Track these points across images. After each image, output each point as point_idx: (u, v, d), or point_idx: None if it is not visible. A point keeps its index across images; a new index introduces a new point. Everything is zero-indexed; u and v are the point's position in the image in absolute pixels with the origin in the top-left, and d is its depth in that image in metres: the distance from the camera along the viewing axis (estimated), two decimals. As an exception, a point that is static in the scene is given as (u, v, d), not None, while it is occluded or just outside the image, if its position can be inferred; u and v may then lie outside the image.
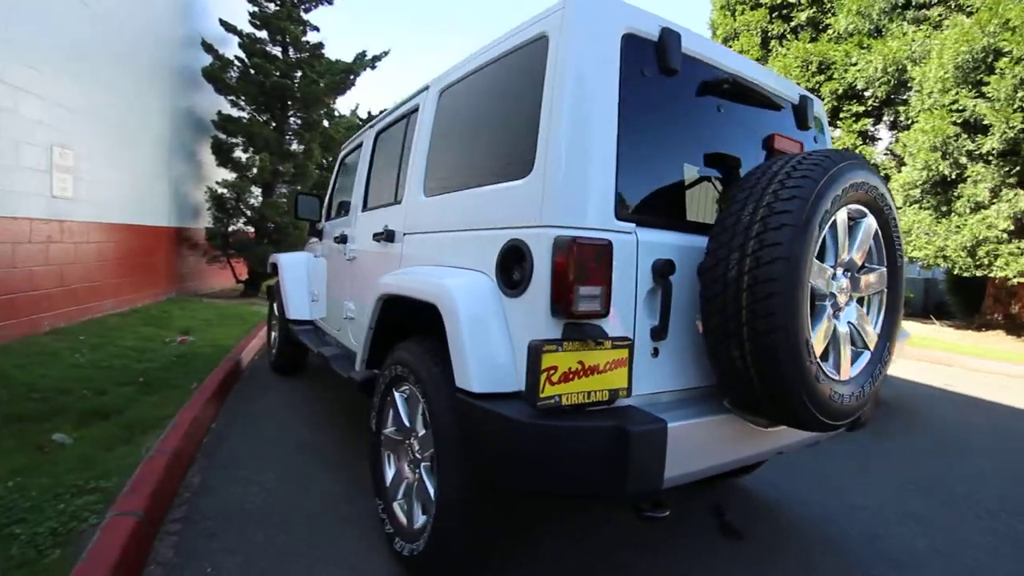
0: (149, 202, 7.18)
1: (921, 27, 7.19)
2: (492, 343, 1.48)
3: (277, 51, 8.78)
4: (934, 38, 6.86)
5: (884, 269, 1.68)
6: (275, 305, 4.59)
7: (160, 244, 7.48)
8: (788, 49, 9.11)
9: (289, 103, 8.66)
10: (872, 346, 1.64)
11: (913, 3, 7.44)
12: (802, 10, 9.18)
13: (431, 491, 1.72)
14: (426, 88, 2.29)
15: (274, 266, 4.84)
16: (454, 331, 1.50)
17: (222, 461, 2.69)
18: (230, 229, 8.71)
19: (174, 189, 7.93)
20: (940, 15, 7.08)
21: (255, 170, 8.69)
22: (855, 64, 7.92)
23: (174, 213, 7.94)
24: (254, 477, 2.53)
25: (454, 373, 1.50)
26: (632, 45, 1.50)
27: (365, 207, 2.85)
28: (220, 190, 8.39)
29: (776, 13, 9.58)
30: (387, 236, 2.34)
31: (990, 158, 6.31)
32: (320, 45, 8.95)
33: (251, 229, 8.90)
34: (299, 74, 8.38)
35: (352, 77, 8.67)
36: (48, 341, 4.57)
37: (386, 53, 9.39)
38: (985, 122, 6.05)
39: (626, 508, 2.32)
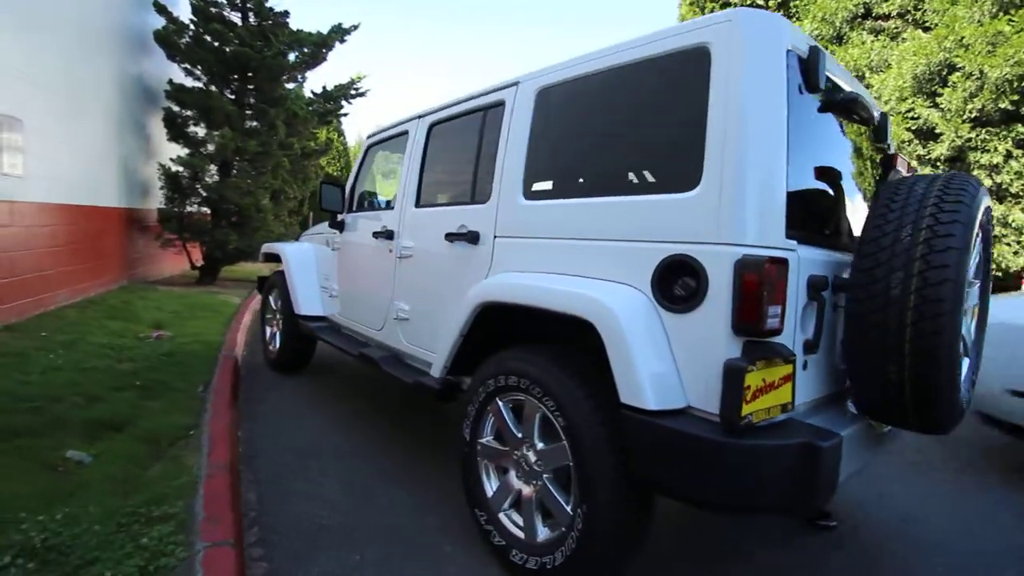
0: (99, 180, 6.42)
1: (879, 37, 7.78)
2: (659, 360, 1.46)
3: (236, 17, 8.05)
4: (892, 49, 7.46)
5: (980, 283, 1.82)
6: (272, 298, 4.30)
7: (110, 227, 6.74)
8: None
9: (250, 75, 7.99)
10: (970, 353, 1.79)
11: (872, 14, 8.02)
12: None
13: (564, 504, 1.70)
14: (514, 84, 2.19)
15: (269, 256, 4.52)
16: (619, 348, 1.47)
17: (268, 474, 2.51)
18: (186, 211, 7.98)
19: (123, 166, 7.13)
20: (897, 27, 7.69)
21: (211, 147, 7.98)
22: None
23: (124, 192, 7.16)
24: (313, 491, 2.38)
25: (619, 389, 1.47)
26: (792, 61, 1.51)
27: (419, 203, 2.71)
28: (175, 168, 7.64)
29: (745, 13, 9.97)
30: (469, 238, 2.24)
31: (938, 163, 7.00)
32: (285, 13, 8.28)
33: (207, 211, 8.20)
34: (263, 44, 7.71)
35: (325, 51, 8.12)
36: (8, 339, 4.02)
37: (355, 27, 8.85)
38: (936, 130, 6.68)
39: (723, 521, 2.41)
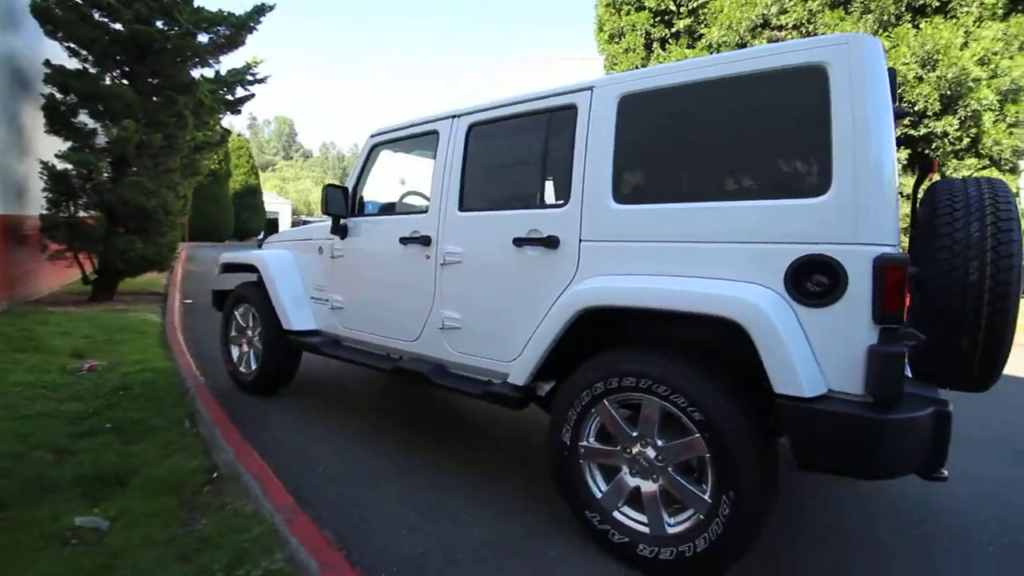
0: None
1: (776, 47, 8.86)
2: (804, 351, 1.60)
3: (127, -10, 6.91)
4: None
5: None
6: (240, 315, 3.85)
7: (-18, 238, 5.52)
8: (670, 53, 10.34)
9: (150, 58, 6.92)
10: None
11: (770, 24, 9.11)
12: (681, 18, 10.45)
13: (701, 493, 1.78)
14: (587, 89, 2.19)
15: (231, 267, 4.04)
16: (773, 343, 1.57)
17: (329, 509, 2.27)
18: (76, 215, 6.75)
19: (-9, 163, 5.85)
20: (793, 39, 8.80)
21: (104, 140, 6.83)
22: (726, 72, 9.44)
23: (-5, 196, 5.88)
24: (387, 519, 2.21)
25: (774, 381, 1.58)
26: (888, 78, 1.72)
27: (463, 206, 2.61)
28: (62, 166, 6.42)
29: (659, 18, 10.72)
30: (546, 242, 2.21)
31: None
32: (189, -11, 7.29)
33: (99, 215, 7.00)
34: (167, 23, 6.72)
35: (245, 33, 7.28)
36: None
37: (271, 7, 8.05)
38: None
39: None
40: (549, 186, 2.36)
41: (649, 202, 2.00)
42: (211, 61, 7.56)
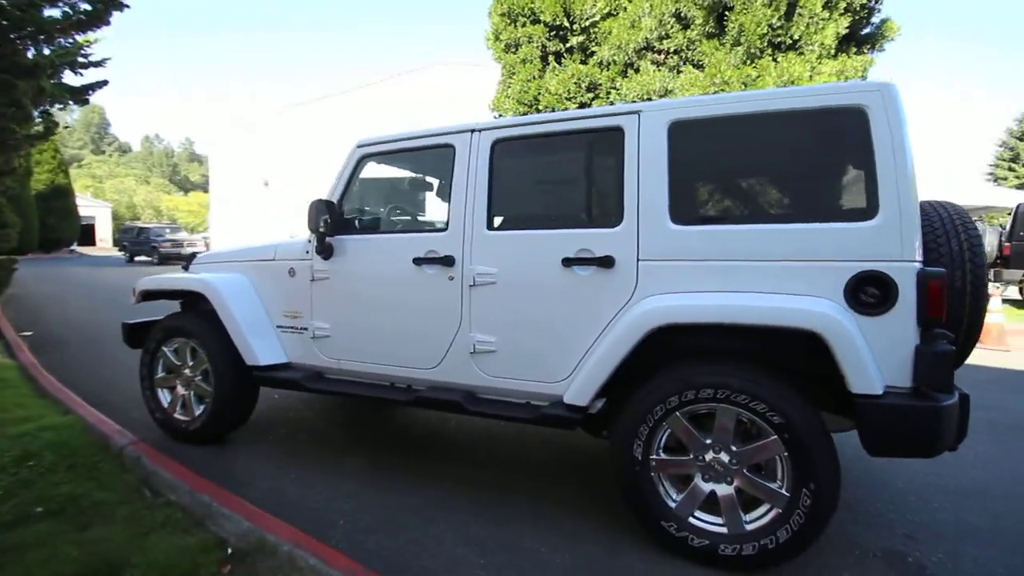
0: None
1: (660, 69, 9.87)
2: (869, 354, 1.86)
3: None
4: (673, 80, 9.59)
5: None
6: (173, 352, 3.24)
7: None
8: (566, 67, 10.90)
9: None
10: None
11: (654, 48, 10.09)
12: (575, 35, 11.07)
13: (779, 489, 1.96)
14: (633, 113, 2.26)
15: (159, 294, 3.36)
16: (851, 350, 1.80)
17: (381, 564, 2.04)
18: None
19: None
20: (676, 63, 9.88)
21: None
22: (617, 88, 10.22)
23: None
24: (456, 564, 2.04)
25: (851, 382, 1.81)
26: None
27: (492, 226, 2.51)
28: None
29: (553, 32, 11.22)
30: (601, 262, 2.24)
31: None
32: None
33: None
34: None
35: (111, 10, 5.97)
36: None
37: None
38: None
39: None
40: (602, 206, 2.38)
41: (708, 223, 2.15)
42: (62, 41, 6.12)
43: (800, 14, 8.48)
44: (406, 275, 2.66)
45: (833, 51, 8.77)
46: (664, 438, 2.13)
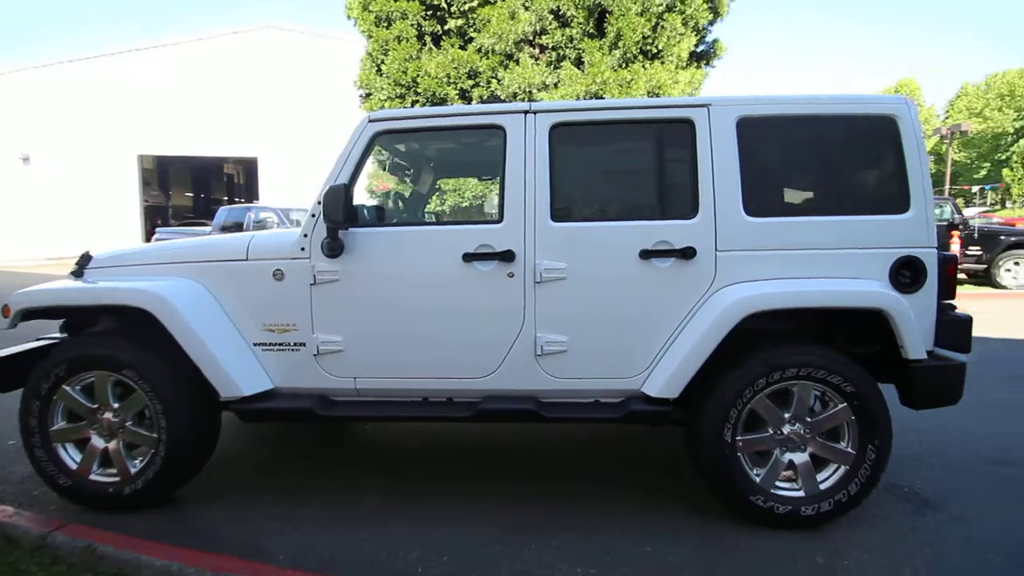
0: None
1: (538, 63, 10.11)
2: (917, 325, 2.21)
3: None
4: (552, 76, 9.91)
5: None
6: (83, 389, 2.37)
7: None
8: (445, 51, 10.44)
9: None
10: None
11: (534, 42, 10.26)
12: (453, 18, 10.66)
13: (846, 448, 2.23)
14: (703, 106, 2.29)
15: (52, 311, 2.41)
16: (906, 324, 2.12)
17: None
18: None
19: None
20: (551, 59, 10.18)
21: None
22: (499, 79, 10.17)
23: None
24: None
25: (907, 351, 2.13)
26: None
27: (556, 217, 2.32)
28: None
29: (431, 12, 10.63)
30: (682, 254, 2.25)
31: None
32: None
33: None
34: None
35: None
36: None
37: None
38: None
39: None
40: (674, 197, 2.37)
41: (776, 215, 2.31)
42: None
43: (663, 27, 9.53)
44: (452, 273, 2.34)
45: (685, 63, 10.09)
46: (744, 418, 2.25)
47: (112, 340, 2.40)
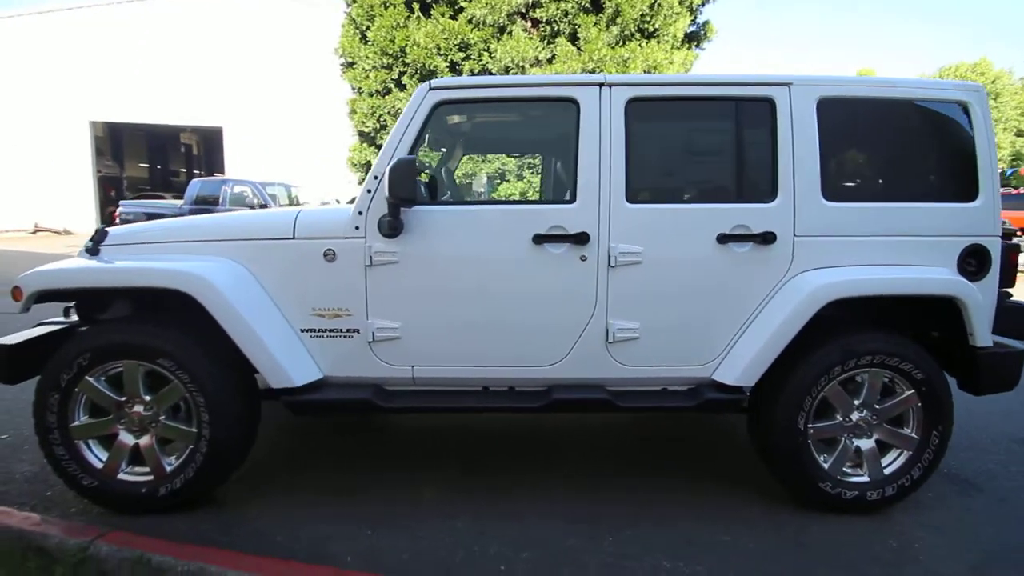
0: None
1: (532, 37, 9.80)
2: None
3: None
4: (545, 51, 9.63)
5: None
6: (108, 380, 2.16)
7: None
8: (436, 20, 9.96)
9: None
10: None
11: (527, 15, 9.93)
12: (444, -15, 10.19)
13: (911, 433, 2.26)
14: (784, 85, 2.20)
15: (76, 294, 2.21)
16: (977, 312, 2.13)
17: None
18: None
19: None
20: (548, 33, 9.87)
21: None
22: (491, 52, 9.82)
23: None
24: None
25: (976, 338, 2.15)
26: None
27: (630, 198, 2.21)
28: None
29: (419, -22, 10.12)
30: (762, 239, 2.18)
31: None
32: None
33: None
34: None
35: None
36: None
37: None
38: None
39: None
40: (753, 179, 2.29)
41: (853, 200, 2.27)
42: None
43: (660, 5, 9.41)
44: (522, 256, 2.21)
45: (680, 43, 10.03)
46: (818, 406, 2.24)
47: (145, 326, 2.16)
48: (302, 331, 2.27)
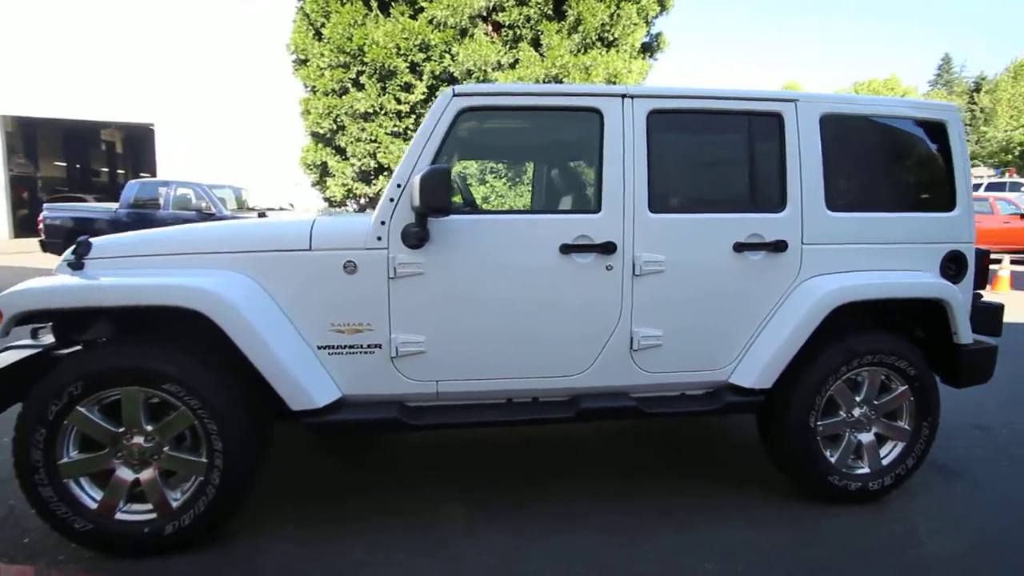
0: None
1: (494, 41, 9.75)
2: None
3: None
4: (507, 56, 9.61)
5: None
6: (101, 410, 1.97)
7: None
8: (395, 19, 9.69)
9: None
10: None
11: (489, 18, 9.86)
12: (403, -17, 9.92)
13: (904, 425, 2.44)
14: (790, 101, 2.32)
15: (63, 315, 1.97)
16: (960, 313, 2.34)
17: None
18: None
19: None
20: (509, 38, 9.83)
21: None
22: (452, 54, 9.67)
23: None
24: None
25: (959, 337, 2.36)
26: None
27: (654, 207, 2.25)
28: None
29: (377, -24, 9.80)
30: (774, 247, 2.29)
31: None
32: None
33: None
34: None
35: None
36: None
37: None
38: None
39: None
40: (764, 190, 2.39)
41: (852, 210, 2.43)
42: None
43: (619, 15, 9.67)
44: (549, 266, 2.21)
45: (637, 52, 10.35)
46: (826, 405, 2.38)
47: (151, 349, 1.97)
48: (319, 348, 2.16)
